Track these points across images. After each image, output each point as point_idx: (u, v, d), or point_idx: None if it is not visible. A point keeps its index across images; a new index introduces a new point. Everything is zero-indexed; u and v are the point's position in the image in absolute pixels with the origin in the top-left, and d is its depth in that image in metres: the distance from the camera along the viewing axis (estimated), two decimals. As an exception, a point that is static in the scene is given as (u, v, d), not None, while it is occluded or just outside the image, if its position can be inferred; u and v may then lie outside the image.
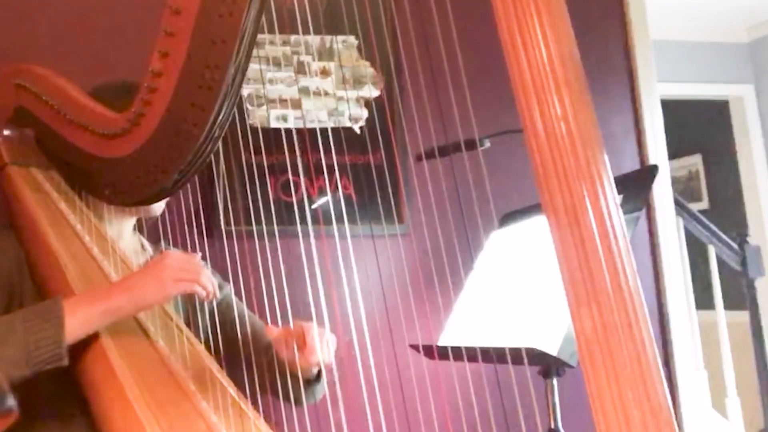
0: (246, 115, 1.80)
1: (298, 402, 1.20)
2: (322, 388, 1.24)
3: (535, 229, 1.39)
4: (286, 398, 1.17)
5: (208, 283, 1.07)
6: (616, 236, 0.56)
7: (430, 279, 1.10)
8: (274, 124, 1.82)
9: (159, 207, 1.27)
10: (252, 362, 1.17)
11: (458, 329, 1.37)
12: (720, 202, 4.73)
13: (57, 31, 1.73)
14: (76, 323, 0.99)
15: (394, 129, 1.93)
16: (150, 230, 1.35)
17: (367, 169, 1.84)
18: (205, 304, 1.30)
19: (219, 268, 1.34)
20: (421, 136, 1.71)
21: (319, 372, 1.23)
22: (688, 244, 2.81)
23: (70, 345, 1.00)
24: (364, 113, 1.92)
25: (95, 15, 1.77)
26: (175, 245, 1.29)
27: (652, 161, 2.24)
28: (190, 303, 1.28)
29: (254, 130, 1.72)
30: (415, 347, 1.32)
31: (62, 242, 1.15)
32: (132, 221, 1.31)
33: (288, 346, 1.12)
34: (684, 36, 4.28)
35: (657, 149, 2.27)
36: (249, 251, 1.17)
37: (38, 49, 1.70)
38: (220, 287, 1.37)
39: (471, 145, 1.43)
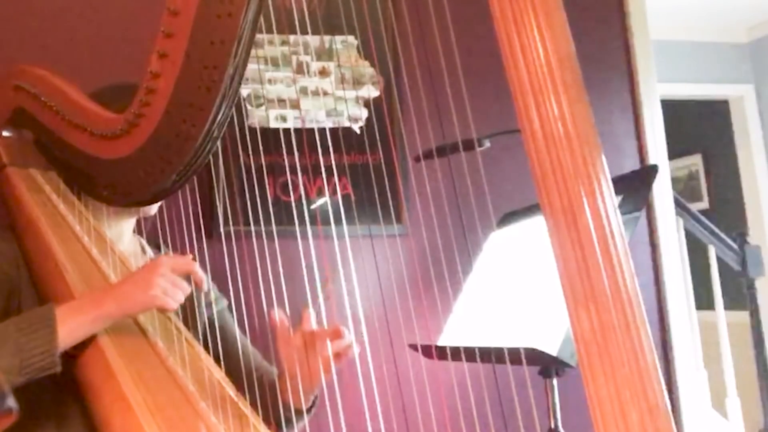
0: (245, 116, 1.80)
1: (279, 428, 1.20)
2: (304, 421, 1.24)
3: (534, 230, 1.39)
4: (275, 421, 1.17)
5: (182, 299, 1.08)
6: (614, 237, 0.56)
7: (428, 279, 1.10)
8: (273, 125, 1.82)
9: (154, 206, 1.27)
10: (243, 382, 1.17)
11: (457, 329, 1.37)
12: (720, 202, 4.73)
13: (56, 33, 1.73)
14: (68, 330, 1.00)
15: (393, 129, 1.93)
16: (149, 231, 1.35)
17: (366, 169, 1.84)
18: (201, 314, 1.30)
19: (218, 268, 1.34)
20: (419, 137, 1.72)
21: (312, 404, 1.23)
22: (688, 244, 2.81)
23: (67, 348, 1.01)
24: (363, 113, 1.92)
25: (94, 16, 1.77)
26: (174, 246, 1.28)
27: (652, 161, 2.24)
28: (189, 309, 1.28)
29: (253, 130, 1.73)
30: (414, 347, 1.32)
31: (61, 243, 1.15)
32: (131, 222, 1.31)
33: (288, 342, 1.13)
34: (684, 36, 4.28)
35: (657, 149, 2.27)
36: (248, 252, 1.17)
37: (37, 50, 1.70)
38: (217, 301, 1.37)
39: (469, 145, 1.42)
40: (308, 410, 1.23)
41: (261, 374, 1.27)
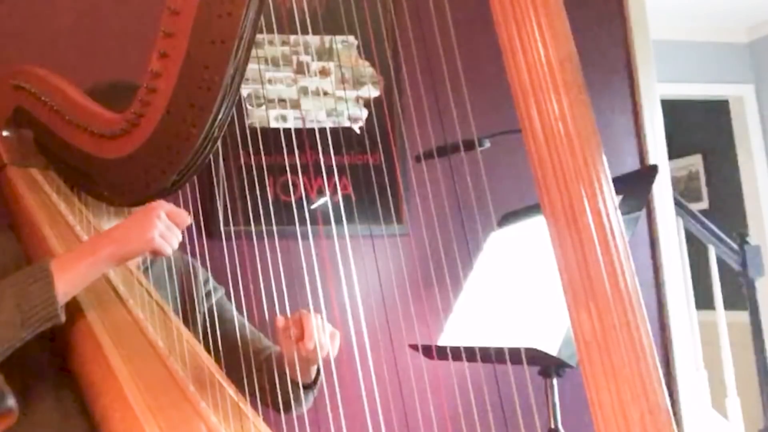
0: (245, 116, 1.80)
1: (288, 407, 1.19)
2: (314, 394, 1.23)
3: (534, 230, 1.39)
4: (283, 400, 1.17)
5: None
6: (615, 237, 0.56)
7: (428, 279, 1.10)
8: (273, 125, 1.82)
9: None
10: (247, 365, 1.17)
11: (458, 329, 1.37)
12: (720, 202, 4.73)
13: (57, 32, 1.73)
14: (67, 279, 0.99)
15: (393, 129, 1.93)
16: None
17: (366, 169, 1.84)
18: (201, 305, 1.30)
19: (218, 268, 1.34)
20: (420, 137, 1.72)
21: (317, 376, 1.23)
22: (688, 244, 2.81)
23: (66, 345, 1.01)
24: (364, 113, 1.92)
25: (94, 16, 1.77)
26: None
27: (652, 161, 2.24)
28: (189, 301, 1.29)
29: (253, 130, 1.73)
30: (414, 347, 1.32)
31: (61, 243, 1.15)
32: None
33: (289, 336, 1.12)
34: (684, 36, 4.28)
35: (657, 149, 2.27)
36: (248, 252, 1.17)
37: (37, 50, 1.70)
38: (215, 290, 1.37)
39: (470, 145, 1.43)
40: (314, 382, 1.22)
41: (268, 354, 1.26)
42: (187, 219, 1.08)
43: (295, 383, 1.16)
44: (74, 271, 1.01)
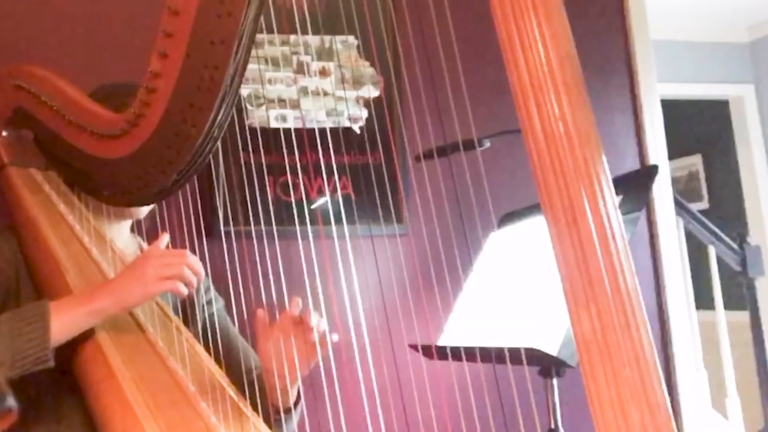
0: (245, 116, 1.80)
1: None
2: (293, 425, 1.23)
3: (534, 230, 1.39)
4: (264, 418, 1.16)
5: (191, 274, 1.06)
6: (615, 237, 0.56)
7: (428, 279, 1.10)
8: (273, 125, 1.82)
9: (145, 208, 1.27)
10: (237, 384, 1.16)
11: (457, 329, 1.37)
12: (720, 202, 4.73)
13: (57, 33, 1.73)
14: (61, 325, 1.00)
15: (393, 129, 1.93)
16: (149, 231, 1.35)
17: (366, 169, 1.84)
18: (197, 314, 1.30)
19: (218, 268, 1.34)
20: (420, 137, 1.72)
21: (297, 401, 1.21)
22: (688, 244, 2.81)
23: (66, 345, 1.01)
24: (364, 113, 1.92)
25: (95, 16, 1.77)
26: (174, 246, 1.28)
27: (652, 161, 2.24)
28: (190, 308, 1.28)
29: (253, 130, 1.73)
30: (414, 347, 1.32)
31: (62, 243, 1.15)
32: (129, 222, 1.31)
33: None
34: (684, 36, 4.28)
35: (657, 149, 2.27)
36: (248, 252, 1.17)
37: (38, 50, 1.70)
38: (215, 300, 1.37)
39: (470, 145, 1.43)
40: (294, 405, 1.21)
41: (258, 374, 1.26)
42: (186, 256, 1.07)
43: (275, 408, 1.15)
44: (70, 318, 1.01)
